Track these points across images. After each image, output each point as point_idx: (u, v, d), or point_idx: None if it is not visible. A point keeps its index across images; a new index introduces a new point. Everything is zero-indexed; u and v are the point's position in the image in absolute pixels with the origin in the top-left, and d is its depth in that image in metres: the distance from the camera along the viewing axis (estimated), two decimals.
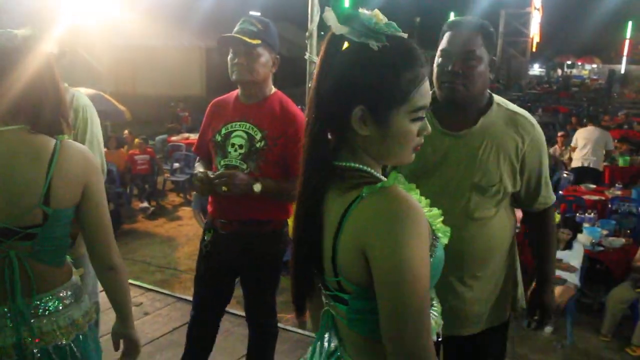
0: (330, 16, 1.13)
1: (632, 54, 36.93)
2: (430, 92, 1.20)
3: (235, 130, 2.45)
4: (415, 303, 1.05)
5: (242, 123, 2.45)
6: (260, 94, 2.48)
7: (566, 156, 8.87)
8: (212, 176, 2.36)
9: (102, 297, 3.49)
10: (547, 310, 2.15)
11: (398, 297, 1.05)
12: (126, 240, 6.70)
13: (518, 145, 1.90)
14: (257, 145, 2.41)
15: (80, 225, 1.70)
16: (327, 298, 1.25)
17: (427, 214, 1.19)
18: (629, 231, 5.63)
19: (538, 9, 34.71)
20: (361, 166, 1.17)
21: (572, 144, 8.56)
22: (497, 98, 1.98)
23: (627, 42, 35.84)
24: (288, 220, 2.63)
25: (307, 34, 3.40)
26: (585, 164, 8.14)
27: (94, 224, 1.69)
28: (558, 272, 4.80)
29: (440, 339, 1.26)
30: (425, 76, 1.16)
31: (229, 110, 2.51)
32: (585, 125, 8.97)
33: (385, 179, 1.15)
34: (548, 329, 4.77)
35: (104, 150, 2.71)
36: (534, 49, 36.60)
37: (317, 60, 3.22)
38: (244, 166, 2.42)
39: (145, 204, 8.04)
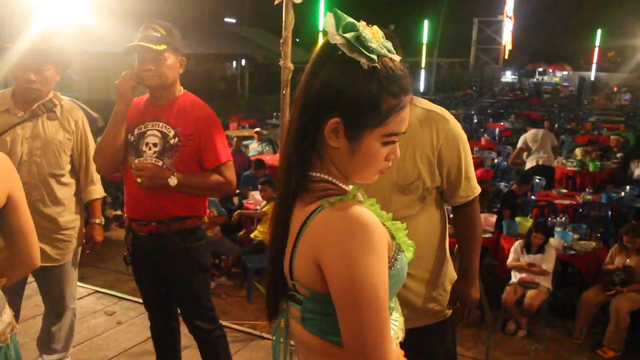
0: (330, 23, 1.11)
1: (601, 61, 37.90)
2: (408, 120, 1.20)
3: (148, 130, 2.51)
4: (373, 316, 1.05)
5: (155, 122, 2.51)
6: (171, 95, 2.55)
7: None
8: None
9: (23, 307, 3.43)
10: (466, 305, 2.14)
11: (354, 311, 1.05)
12: (99, 248, 6.60)
13: (433, 141, 1.96)
14: (171, 142, 2.47)
15: (5, 231, 1.71)
16: (286, 298, 1.26)
17: (390, 227, 1.21)
18: (599, 235, 5.73)
19: (510, 17, 35.37)
20: (327, 177, 1.18)
21: (520, 145, 8.76)
22: (412, 99, 2.02)
23: (596, 50, 36.76)
24: (205, 218, 2.66)
25: (281, 40, 3.39)
26: (540, 162, 8.54)
27: (22, 227, 1.70)
28: (531, 276, 4.89)
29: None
30: (407, 104, 1.16)
31: (140, 112, 2.56)
32: (526, 131, 9.29)
33: (349, 190, 1.16)
34: (521, 332, 4.84)
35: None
36: (506, 57, 37.29)
37: (291, 67, 3.20)
38: (160, 163, 2.46)
39: (119, 212, 7.93)
